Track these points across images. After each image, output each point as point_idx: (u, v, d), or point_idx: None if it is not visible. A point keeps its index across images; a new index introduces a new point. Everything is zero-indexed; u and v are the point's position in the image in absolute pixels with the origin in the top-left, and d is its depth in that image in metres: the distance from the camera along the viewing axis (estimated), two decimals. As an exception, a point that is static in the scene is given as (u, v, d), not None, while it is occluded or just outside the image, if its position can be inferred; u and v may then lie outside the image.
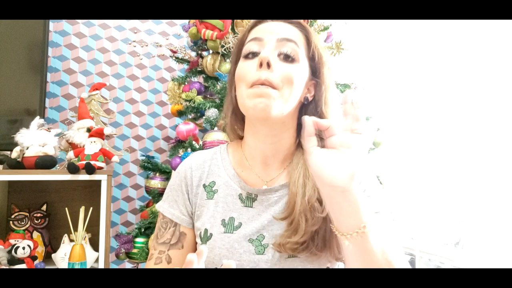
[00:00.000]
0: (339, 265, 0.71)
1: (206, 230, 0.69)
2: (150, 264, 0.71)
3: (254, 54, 0.66)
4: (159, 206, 0.76)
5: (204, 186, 0.73)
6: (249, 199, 0.71)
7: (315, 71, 0.69)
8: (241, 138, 0.78)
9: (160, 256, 0.71)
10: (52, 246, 1.48)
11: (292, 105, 0.66)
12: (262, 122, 0.67)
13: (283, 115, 0.65)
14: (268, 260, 0.66)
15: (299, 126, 0.71)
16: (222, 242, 0.68)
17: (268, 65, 0.62)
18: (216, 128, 1.39)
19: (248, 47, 0.67)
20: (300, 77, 0.65)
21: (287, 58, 0.65)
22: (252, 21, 0.72)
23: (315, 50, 0.68)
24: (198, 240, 0.72)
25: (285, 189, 0.70)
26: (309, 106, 0.70)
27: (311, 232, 0.63)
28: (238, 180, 0.72)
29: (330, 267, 0.68)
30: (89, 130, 1.46)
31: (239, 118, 0.75)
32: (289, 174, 0.70)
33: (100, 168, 1.39)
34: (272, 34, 0.65)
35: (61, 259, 1.32)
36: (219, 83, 1.45)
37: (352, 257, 0.58)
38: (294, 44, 0.65)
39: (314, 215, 0.63)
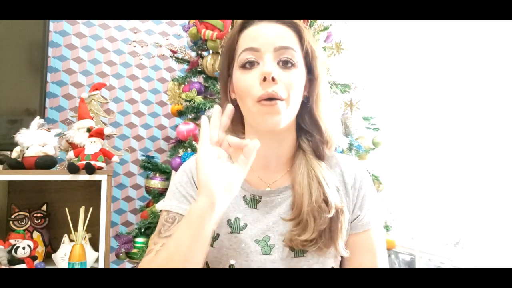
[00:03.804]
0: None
1: (212, 230, 0.69)
2: (148, 258, 0.65)
3: (252, 64, 0.66)
4: (165, 205, 0.73)
5: None
6: (253, 201, 0.71)
7: (310, 67, 0.70)
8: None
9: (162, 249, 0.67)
10: (52, 246, 1.48)
11: (296, 110, 0.68)
12: (269, 131, 0.68)
13: (290, 122, 0.68)
14: (275, 260, 0.66)
15: (298, 126, 0.73)
16: (229, 242, 0.68)
17: (273, 79, 0.62)
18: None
19: (244, 56, 0.66)
20: (300, 81, 0.67)
21: (286, 64, 0.65)
22: (239, 20, 0.71)
23: (308, 46, 0.68)
24: None
25: (288, 191, 0.71)
26: (305, 104, 0.71)
27: (319, 231, 0.64)
28: (242, 182, 0.71)
29: (335, 267, 0.69)
30: (89, 130, 1.46)
31: (238, 121, 0.74)
32: (292, 176, 0.71)
33: (100, 168, 1.39)
34: (268, 43, 0.65)
35: (61, 259, 1.32)
36: (219, 83, 1.45)
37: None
38: (291, 51, 0.65)
39: (322, 215, 0.64)
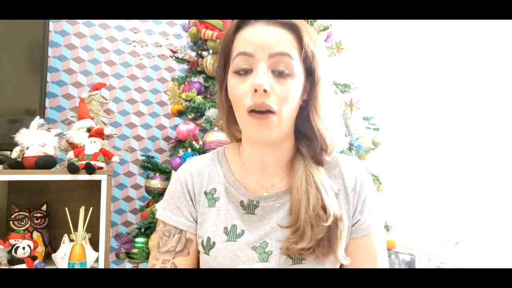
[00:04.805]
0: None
1: (208, 239, 0.68)
2: None
3: (246, 71, 0.63)
4: (160, 215, 0.73)
5: (206, 193, 0.72)
6: (251, 206, 0.70)
7: (310, 71, 0.66)
8: (239, 140, 0.76)
9: (164, 266, 0.68)
10: (52, 246, 1.48)
11: (290, 120, 0.66)
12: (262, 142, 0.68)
13: (285, 131, 0.66)
14: (272, 268, 0.65)
15: (298, 130, 0.71)
16: (225, 251, 0.66)
17: (265, 90, 0.60)
18: (216, 128, 1.39)
19: (238, 61, 0.63)
20: (296, 91, 0.64)
21: (282, 73, 0.62)
22: (236, 20, 0.68)
23: (308, 49, 0.64)
24: (200, 248, 0.70)
25: (286, 195, 0.69)
26: (305, 108, 0.68)
27: (316, 239, 0.63)
28: (239, 187, 0.71)
29: None
30: (89, 130, 1.46)
31: (234, 122, 0.71)
32: (290, 180, 0.69)
33: (100, 168, 1.39)
34: (263, 49, 0.61)
35: (61, 259, 1.32)
36: (216, 82, 1.45)
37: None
38: (287, 58, 0.62)
39: (319, 223, 0.63)
